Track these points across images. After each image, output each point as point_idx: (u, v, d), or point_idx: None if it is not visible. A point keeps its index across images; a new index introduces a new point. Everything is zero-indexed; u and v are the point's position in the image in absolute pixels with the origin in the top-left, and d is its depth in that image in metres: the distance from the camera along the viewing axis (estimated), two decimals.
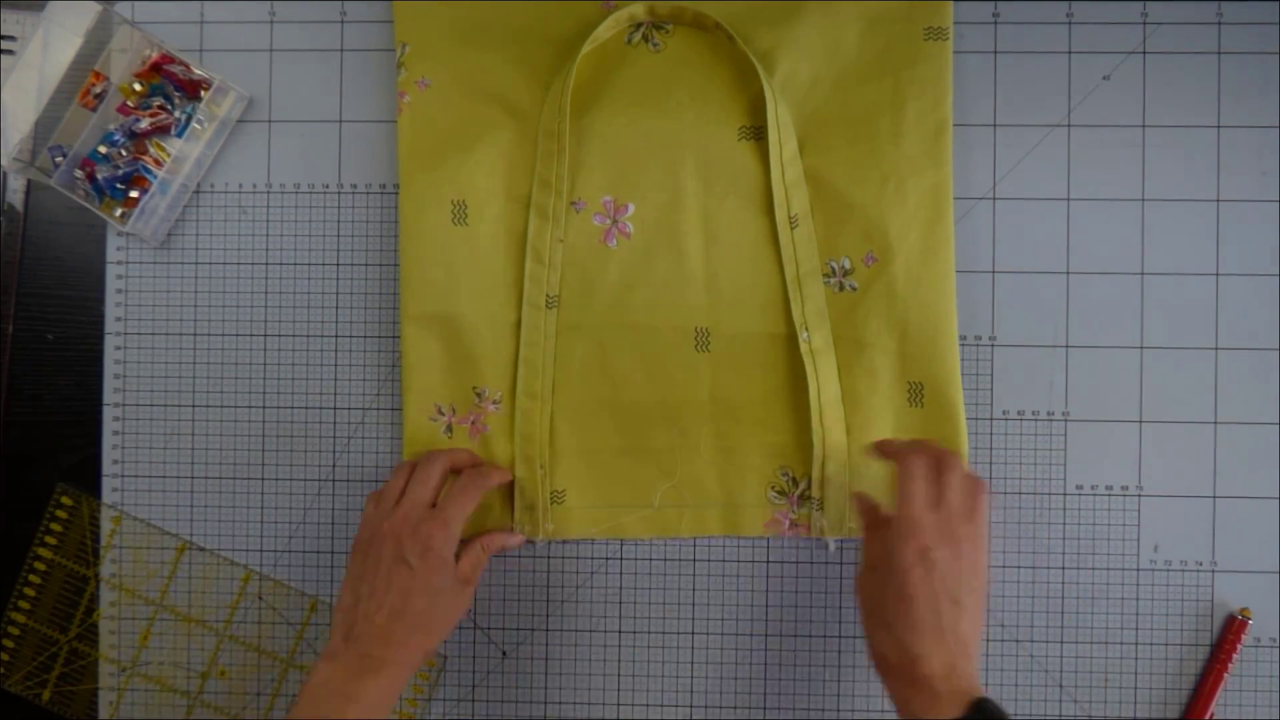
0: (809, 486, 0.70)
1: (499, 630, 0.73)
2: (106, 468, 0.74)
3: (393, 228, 0.73)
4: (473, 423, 0.71)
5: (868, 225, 0.69)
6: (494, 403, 0.71)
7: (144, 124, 0.71)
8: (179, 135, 0.72)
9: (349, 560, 0.65)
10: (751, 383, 0.71)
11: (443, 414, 0.71)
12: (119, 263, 0.74)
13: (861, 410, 0.70)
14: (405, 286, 0.70)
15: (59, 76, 0.72)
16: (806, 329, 0.70)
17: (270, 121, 0.74)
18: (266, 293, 0.74)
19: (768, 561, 0.72)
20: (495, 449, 0.71)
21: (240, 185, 0.74)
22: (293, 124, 0.74)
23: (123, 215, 0.72)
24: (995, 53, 0.72)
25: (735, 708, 0.72)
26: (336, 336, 0.74)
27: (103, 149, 0.71)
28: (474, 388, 0.71)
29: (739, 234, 0.71)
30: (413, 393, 0.70)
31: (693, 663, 0.72)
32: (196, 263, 0.74)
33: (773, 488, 0.71)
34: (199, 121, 0.72)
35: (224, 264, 0.74)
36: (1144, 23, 0.72)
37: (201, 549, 0.74)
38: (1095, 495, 0.71)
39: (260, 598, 0.73)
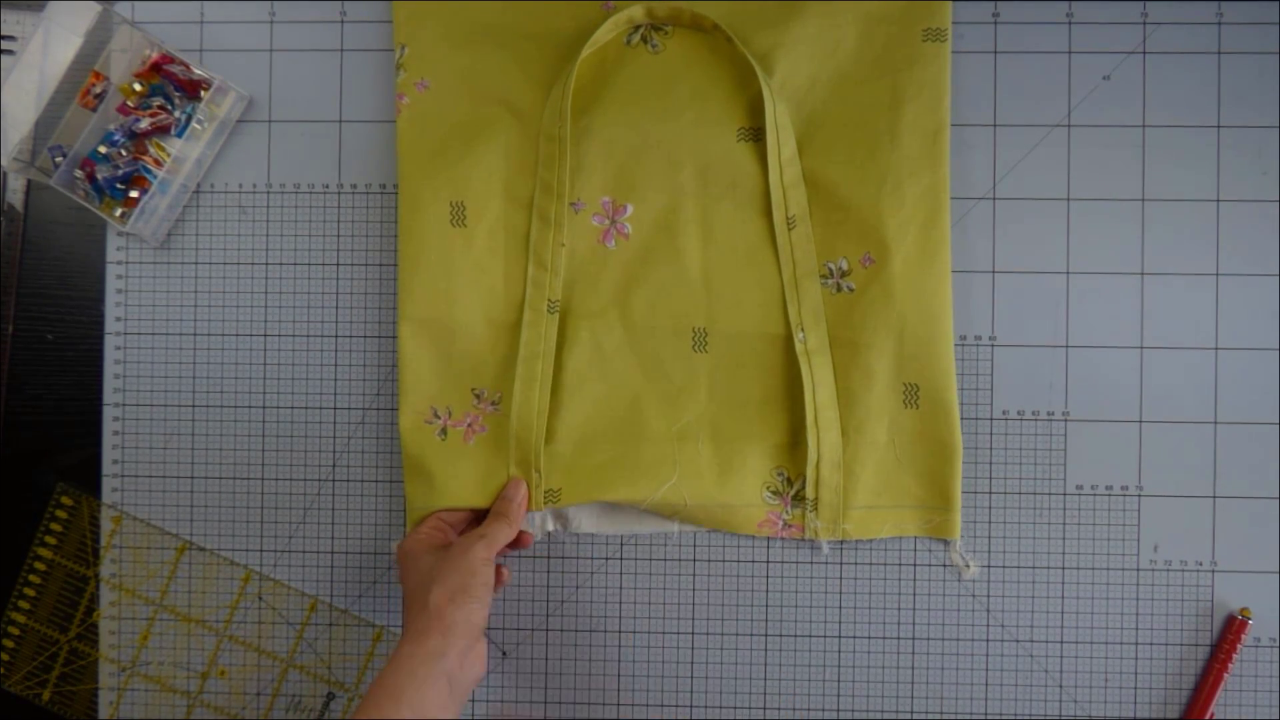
0: (804, 487, 0.70)
1: (499, 630, 0.73)
2: (106, 468, 0.74)
3: (393, 228, 0.73)
4: (469, 425, 0.71)
5: (865, 226, 0.69)
6: (492, 404, 0.71)
7: (144, 124, 0.71)
8: (179, 135, 0.72)
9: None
10: (749, 383, 0.71)
11: (438, 417, 0.71)
12: (119, 263, 0.74)
13: (858, 411, 0.69)
14: (403, 288, 0.70)
15: (59, 76, 0.72)
16: (803, 329, 0.70)
17: (270, 121, 0.74)
18: (266, 293, 0.74)
19: (767, 561, 0.72)
20: (493, 451, 0.70)
21: (240, 185, 0.74)
22: (293, 124, 0.74)
23: (123, 215, 0.72)
24: (995, 53, 0.72)
25: (735, 708, 0.72)
26: (336, 336, 0.74)
27: (103, 149, 0.71)
28: (472, 389, 0.71)
29: (737, 235, 0.71)
30: (407, 395, 0.70)
31: (693, 663, 0.72)
32: (196, 263, 0.74)
33: (768, 488, 0.71)
34: (199, 121, 0.72)
35: (224, 264, 0.74)
36: (1144, 23, 0.72)
37: (201, 549, 0.74)
38: (1095, 495, 0.71)
39: (260, 598, 0.73)
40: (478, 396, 0.71)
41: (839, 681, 0.72)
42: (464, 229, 0.70)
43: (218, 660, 0.73)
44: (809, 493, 0.70)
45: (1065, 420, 0.72)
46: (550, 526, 0.72)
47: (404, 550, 0.66)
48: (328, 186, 0.74)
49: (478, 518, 0.70)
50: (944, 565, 0.72)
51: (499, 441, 0.70)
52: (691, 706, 0.72)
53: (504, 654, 0.73)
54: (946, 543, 0.71)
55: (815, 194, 0.70)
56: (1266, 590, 0.71)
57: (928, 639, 0.72)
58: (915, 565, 0.72)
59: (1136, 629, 0.71)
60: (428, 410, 0.71)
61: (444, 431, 0.71)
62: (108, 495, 0.74)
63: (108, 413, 0.74)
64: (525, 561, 0.73)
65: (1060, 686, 0.71)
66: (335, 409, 0.73)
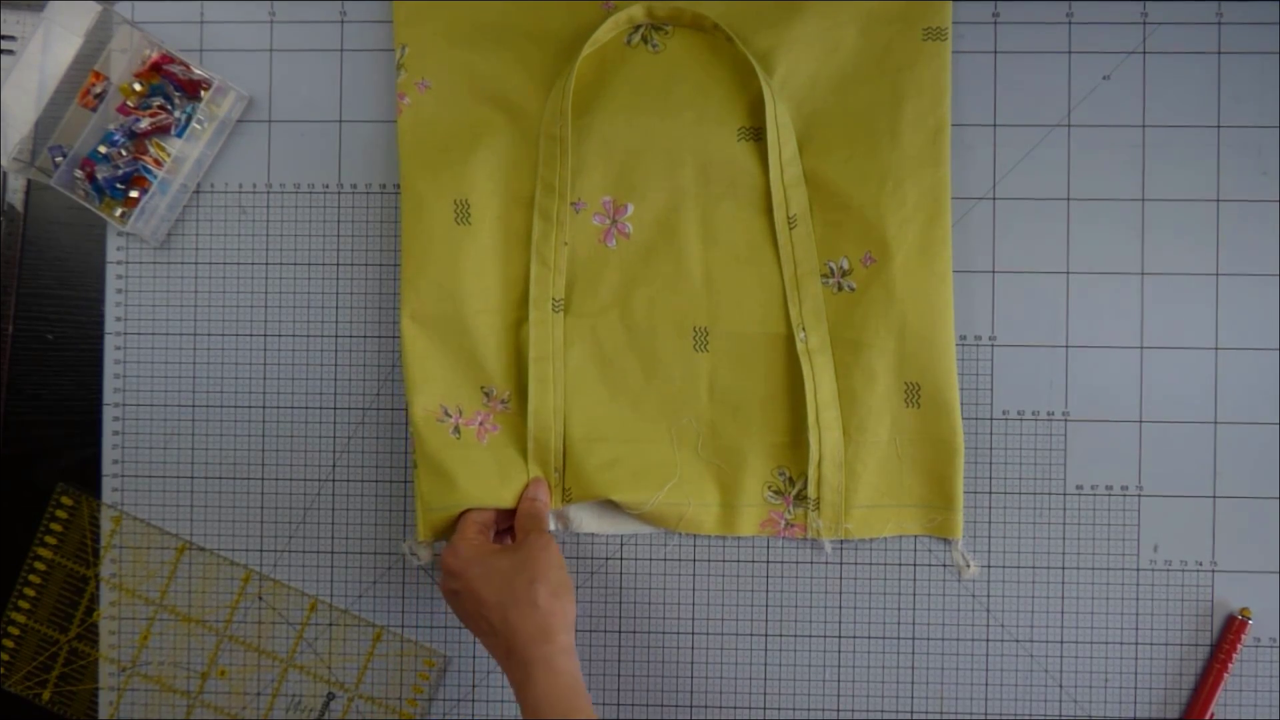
0: (805, 486, 0.70)
1: None
2: (106, 468, 0.74)
3: (393, 228, 0.73)
4: (481, 423, 0.71)
5: (866, 226, 0.69)
6: (502, 402, 0.71)
7: (144, 124, 0.71)
8: (179, 135, 0.72)
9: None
10: (750, 383, 0.71)
11: (449, 415, 0.71)
12: (119, 263, 0.74)
13: (859, 410, 0.70)
14: (408, 286, 0.70)
15: (59, 76, 0.72)
16: (804, 329, 0.70)
17: (270, 121, 0.74)
18: (266, 293, 0.74)
19: (768, 561, 0.72)
20: (506, 451, 0.70)
21: (240, 185, 0.74)
22: (293, 124, 0.74)
23: (123, 215, 0.72)
24: (995, 53, 0.72)
25: (735, 708, 0.72)
26: (336, 336, 0.74)
27: (103, 149, 0.71)
28: (482, 387, 0.71)
29: (738, 234, 0.71)
30: (418, 394, 0.70)
31: (693, 663, 0.72)
32: (196, 263, 0.74)
33: (769, 488, 0.71)
34: (199, 121, 0.72)
35: (224, 264, 0.74)
36: (1144, 23, 0.72)
37: (201, 549, 0.74)
38: (1095, 495, 0.71)
39: (260, 598, 0.73)
40: (487, 395, 0.71)
41: (839, 681, 0.72)
42: (468, 227, 0.70)
43: (218, 660, 0.73)
44: (811, 492, 0.70)
45: (1065, 420, 0.72)
46: (551, 526, 0.72)
47: (464, 558, 0.64)
48: (328, 186, 0.74)
49: (502, 516, 0.70)
50: (944, 565, 0.72)
51: (512, 440, 0.70)
52: (691, 706, 0.72)
53: None
54: (947, 542, 0.71)
55: (816, 193, 0.70)
56: (1266, 590, 0.71)
57: (928, 639, 0.72)
58: (915, 565, 0.72)
59: (1136, 629, 0.71)
60: (438, 408, 0.70)
61: (457, 430, 0.70)
62: (108, 495, 0.74)
63: (108, 413, 0.74)
64: None
65: (1060, 686, 0.71)
66: (335, 409, 0.73)
